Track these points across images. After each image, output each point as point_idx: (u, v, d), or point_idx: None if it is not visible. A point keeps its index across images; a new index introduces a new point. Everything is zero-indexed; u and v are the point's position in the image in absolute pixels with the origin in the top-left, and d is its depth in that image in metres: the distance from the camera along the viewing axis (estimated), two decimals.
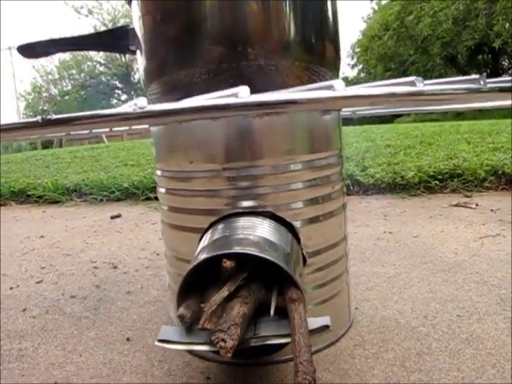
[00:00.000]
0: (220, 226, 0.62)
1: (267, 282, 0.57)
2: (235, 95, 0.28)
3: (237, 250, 0.54)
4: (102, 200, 2.29)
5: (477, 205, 1.69)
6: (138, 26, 0.70)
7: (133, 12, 0.71)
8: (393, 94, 0.28)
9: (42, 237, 1.62)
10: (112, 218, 1.87)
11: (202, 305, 0.52)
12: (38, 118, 0.29)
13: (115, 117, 0.27)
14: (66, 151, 5.65)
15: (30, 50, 0.88)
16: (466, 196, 1.86)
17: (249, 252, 0.53)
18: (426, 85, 0.30)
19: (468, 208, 1.65)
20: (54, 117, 0.27)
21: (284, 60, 0.63)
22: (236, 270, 0.54)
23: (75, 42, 0.89)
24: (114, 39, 0.80)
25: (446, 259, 1.08)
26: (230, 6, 0.61)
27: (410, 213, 1.63)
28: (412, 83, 0.29)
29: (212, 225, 0.64)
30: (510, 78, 0.37)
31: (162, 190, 0.71)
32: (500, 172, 1.99)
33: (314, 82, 0.67)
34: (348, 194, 1.98)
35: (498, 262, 1.04)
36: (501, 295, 0.86)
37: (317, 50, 0.67)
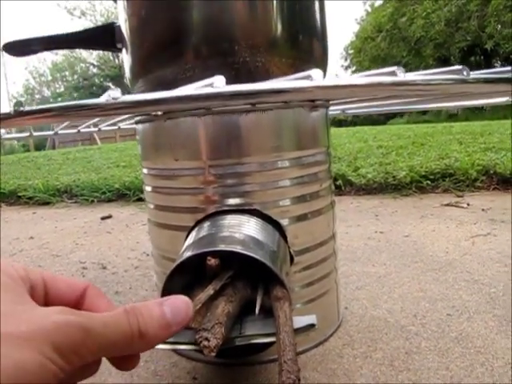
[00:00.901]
0: (206, 224, 0.61)
1: (253, 280, 0.56)
2: (210, 85, 0.27)
3: (222, 247, 0.53)
4: (92, 201, 2.27)
5: (468, 204, 1.69)
6: (123, 22, 0.69)
7: (118, 9, 0.70)
8: (372, 84, 0.27)
9: (31, 238, 1.61)
10: (102, 218, 1.85)
11: None
12: (11, 109, 0.29)
13: (88, 108, 0.27)
14: (58, 153, 5.63)
15: (17, 48, 0.87)
16: (458, 196, 1.86)
17: (234, 250, 0.52)
18: (407, 74, 0.29)
19: (459, 207, 1.65)
20: (27, 108, 0.27)
21: (270, 57, 0.62)
22: (221, 268, 0.53)
23: (61, 39, 0.88)
24: (100, 37, 0.79)
25: (437, 258, 1.08)
26: (215, 2, 0.60)
27: (401, 212, 1.63)
28: (393, 73, 0.28)
29: (198, 223, 0.63)
30: (492, 70, 0.37)
31: (148, 189, 0.71)
32: (491, 172, 1.99)
33: None
34: (340, 195, 1.99)
35: (489, 261, 1.04)
36: (491, 294, 0.85)
37: (304, 47, 0.67)
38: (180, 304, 0.36)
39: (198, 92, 0.27)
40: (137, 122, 0.71)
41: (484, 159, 2.15)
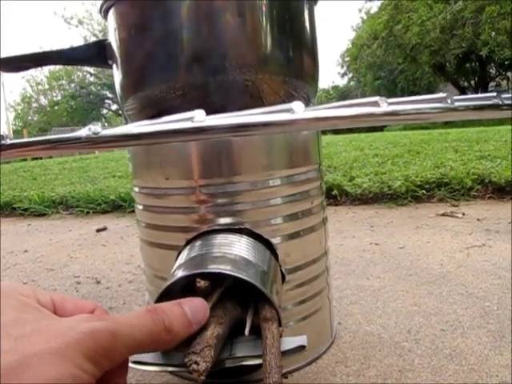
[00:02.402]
0: (197, 244, 0.61)
1: (243, 300, 0.55)
2: (191, 119, 0.27)
3: (212, 269, 0.53)
4: (88, 212, 2.26)
5: (463, 214, 1.69)
6: (113, 40, 0.69)
7: (108, 26, 0.70)
8: (355, 116, 0.27)
9: (25, 251, 1.60)
10: (97, 230, 1.85)
11: None
12: None
13: (69, 142, 0.26)
14: (54, 162, 5.62)
15: (10, 65, 0.87)
16: (453, 205, 1.86)
17: (223, 271, 0.52)
18: (390, 104, 0.29)
19: (455, 217, 1.65)
20: (9, 142, 0.26)
21: (261, 74, 0.62)
22: (212, 288, 0.53)
23: (54, 55, 0.88)
24: (92, 53, 0.79)
25: (432, 271, 1.08)
26: (205, 21, 0.60)
27: (396, 223, 1.63)
28: (375, 104, 0.28)
29: (189, 242, 0.63)
30: (478, 96, 0.36)
31: (140, 207, 0.70)
32: (487, 181, 2.00)
33: (292, 95, 0.66)
34: (335, 205, 1.99)
35: (484, 273, 1.04)
36: (485, 308, 0.85)
37: (294, 63, 0.67)
38: (198, 304, 0.39)
39: (178, 127, 0.27)
40: None
41: (479, 168, 2.16)
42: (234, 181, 0.61)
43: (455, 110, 0.32)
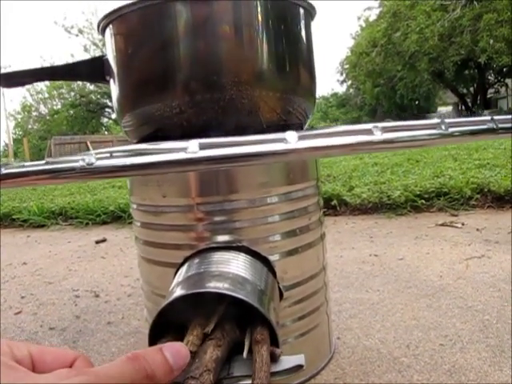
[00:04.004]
0: (194, 262, 0.61)
1: (241, 319, 0.55)
2: (184, 150, 0.27)
3: (209, 288, 0.53)
4: (87, 223, 2.26)
5: (463, 224, 1.68)
6: (111, 57, 0.69)
7: (106, 43, 0.70)
8: (349, 145, 0.27)
9: (24, 263, 1.60)
10: (97, 242, 1.85)
11: None
12: None
13: (63, 172, 0.27)
14: None
15: (7, 80, 0.87)
16: (453, 215, 1.86)
17: (220, 291, 0.52)
18: (384, 131, 0.29)
19: (454, 227, 1.65)
20: (3, 171, 0.27)
21: (258, 92, 0.62)
22: (209, 308, 0.53)
23: (52, 71, 0.89)
24: (90, 69, 0.80)
25: (431, 283, 1.07)
26: (201, 39, 0.61)
27: (396, 233, 1.62)
28: (369, 132, 0.28)
29: (187, 259, 0.63)
30: (471, 120, 0.37)
31: (138, 224, 0.70)
32: (486, 190, 2.00)
33: (288, 112, 0.66)
34: (335, 215, 1.98)
35: (483, 285, 1.04)
36: (484, 321, 0.85)
37: (291, 80, 0.67)
38: (179, 348, 0.37)
39: (172, 158, 0.27)
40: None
41: (478, 177, 2.15)
42: (231, 198, 0.61)
43: (450, 135, 0.32)
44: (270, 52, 0.64)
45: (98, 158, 0.26)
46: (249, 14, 0.62)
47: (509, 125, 0.37)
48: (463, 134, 0.33)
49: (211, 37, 0.61)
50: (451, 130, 0.32)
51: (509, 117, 0.41)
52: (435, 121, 0.32)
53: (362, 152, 0.31)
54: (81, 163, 0.26)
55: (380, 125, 0.33)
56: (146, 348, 0.36)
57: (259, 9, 0.63)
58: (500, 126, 0.35)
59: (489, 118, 0.35)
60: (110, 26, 0.68)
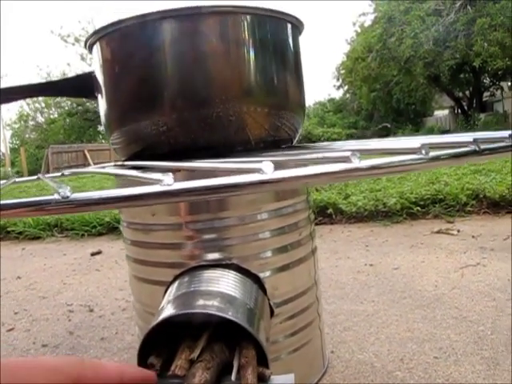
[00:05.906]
0: (184, 280, 0.60)
1: (231, 338, 0.55)
2: (159, 182, 0.27)
3: (198, 307, 0.53)
4: (83, 235, 2.25)
5: (458, 231, 1.68)
6: (99, 74, 0.69)
7: (93, 60, 0.70)
8: (325, 173, 0.27)
9: (18, 278, 1.59)
10: (92, 254, 1.84)
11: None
12: None
13: (38, 205, 0.26)
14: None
15: None
16: (448, 222, 1.86)
17: (209, 311, 0.52)
18: (362, 159, 0.29)
19: (450, 235, 1.65)
20: None
21: (245, 108, 0.62)
22: (198, 328, 0.52)
23: (42, 87, 0.88)
24: (79, 86, 0.79)
25: (426, 293, 1.07)
26: (189, 56, 0.61)
27: (391, 242, 1.62)
28: (347, 159, 0.28)
29: (177, 278, 0.62)
30: (453, 140, 0.36)
31: (128, 242, 0.70)
32: (481, 196, 2.00)
33: (277, 127, 0.66)
34: (331, 223, 1.98)
35: (478, 295, 1.03)
36: (479, 332, 0.85)
37: (279, 95, 0.67)
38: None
39: (146, 191, 0.26)
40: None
41: (473, 183, 2.15)
42: (221, 216, 0.61)
43: (431, 160, 0.32)
44: (257, 68, 0.64)
45: (73, 192, 0.26)
46: (236, 30, 0.62)
47: (492, 145, 0.36)
48: (445, 158, 0.33)
49: (198, 54, 0.61)
50: (432, 154, 0.32)
51: (491, 134, 0.41)
52: (415, 146, 0.32)
53: (340, 180, 0.30)
54: (56, 196, 0.26)
55: (358, 149, 0.33)
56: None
57: (246, 25, 0.63)
58: (482, 147, 0.35)
59: (471, 139, 0.35)
60: (98, 43, 0.67)
